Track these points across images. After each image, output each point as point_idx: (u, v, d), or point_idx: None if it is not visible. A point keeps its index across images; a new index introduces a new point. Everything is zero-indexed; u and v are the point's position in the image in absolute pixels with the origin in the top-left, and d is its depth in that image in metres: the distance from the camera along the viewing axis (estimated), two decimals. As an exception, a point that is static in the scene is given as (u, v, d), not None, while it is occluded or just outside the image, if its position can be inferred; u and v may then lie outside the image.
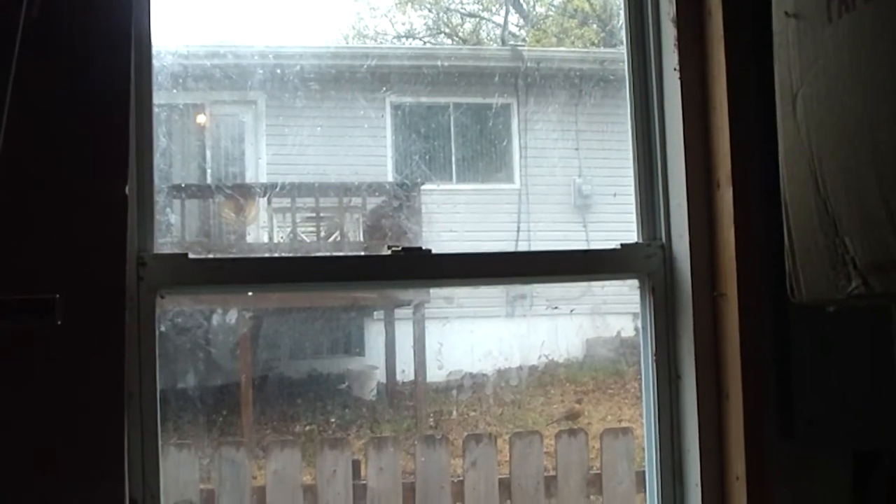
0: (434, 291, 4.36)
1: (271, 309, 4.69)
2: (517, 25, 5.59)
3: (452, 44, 5.50)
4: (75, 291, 1.85)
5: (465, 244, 4.15)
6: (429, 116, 4.88)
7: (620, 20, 2.52)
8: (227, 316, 4.44)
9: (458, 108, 4.82)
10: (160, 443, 2.13)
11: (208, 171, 4.64)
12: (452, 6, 5.55)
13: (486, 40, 5.60)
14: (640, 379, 2.44)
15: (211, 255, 3.71)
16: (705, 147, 2.30)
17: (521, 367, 4.79)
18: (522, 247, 4.81)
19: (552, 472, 3.79)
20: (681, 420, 2.34)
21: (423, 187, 4.60)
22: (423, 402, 4.71)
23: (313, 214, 4.86)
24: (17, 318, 1.81)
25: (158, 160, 2.20)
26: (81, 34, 1.95)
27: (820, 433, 2.19)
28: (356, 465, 3.69)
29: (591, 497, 3.82)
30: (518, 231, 4.80)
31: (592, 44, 5.32)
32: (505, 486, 3.70)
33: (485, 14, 5.69)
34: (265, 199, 4.58)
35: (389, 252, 2.29)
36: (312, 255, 4.69)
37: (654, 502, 2.38)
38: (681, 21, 2.33)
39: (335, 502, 3.55)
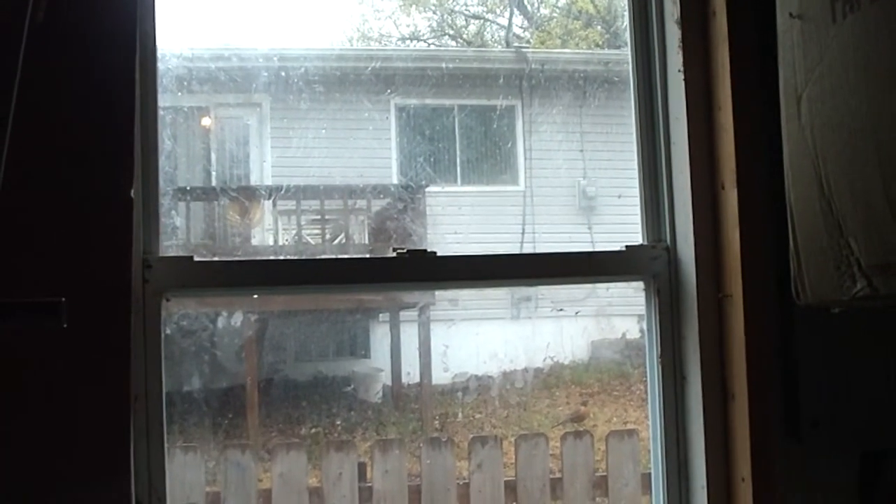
0: (439, 294, 4.37)
1: (276, 311, 4.70)
2: (521, 27, 5.60)
3: (457, 46, 5.51)
4: (81, 294, 1.85)
5: (470, 246, 4.15)
6: (433, 118, 4.88)
7: (624, 21, 2.52)
8: (233, 318, 4.44)
9: (462, 109, 4.83)
10: (166, 445, 2.13)
11: (213, 173, 4.65)
12: (457, 8, 5.56)
13: (490, 42, 5.61)
14: (646, 381, 2.43)
15: (216, 258, 3.72)
16: (710, 148, 2.30)
17: (526, 369, 4.80)
18: (527, 248, 4.82)
19: (558, 474, 3.79)
20: (686, 422, 2.34)
21: (427, 189, 4.61)
22: (429, 404, 4.72)
23: (318, 217, 4.87)
24: (22, 321, 1.81)
25: (163, 163, 2.19)
26: (86, 37, 1.95)
27: (826, 434, 2.19)
28: (362, 468, 3.69)
29: (597, 499, 3.82)
30: (523, 233, 4.80)
31: (597, 45, 5.33)
32: (511, 488, 3.70)
33: (489, 16, 5.69)
34: (270, 201, 4.59)
35: (394, 254, 2.29)
36: (317, 257, 4.68)
37: (660, 504, 2.38)
38: (685, 22, 2.32)
39: (341, 504, 3.56)
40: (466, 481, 3.68)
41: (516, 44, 5.28)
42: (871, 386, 2.21)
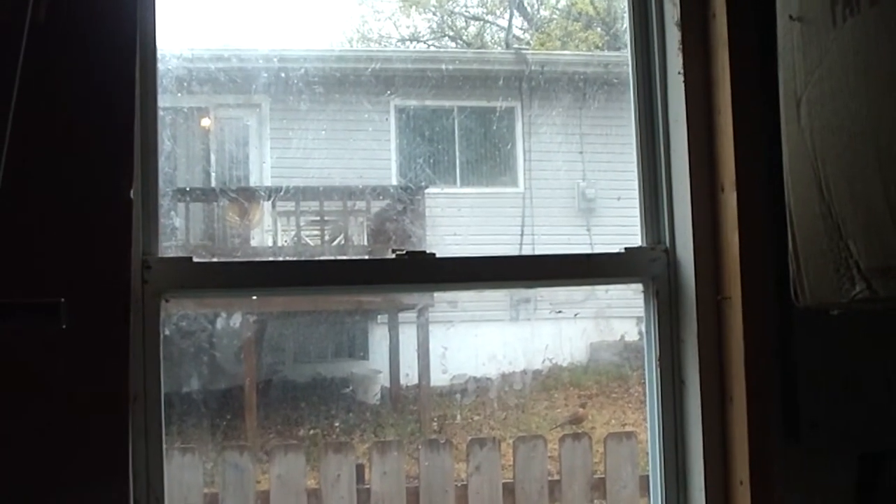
0: (438, 295, 4.37)
1: (275, 313, 4.70)
2: (521, 29, 5.61)
3: (456, 47, 5.51)
4: (80, 294, 1.85)
5: (469, 248, 4.15)
6: (433, 120, 4.88)
7: (624, 23, 2.52)
8: (232, 319, 4.44)
9: (462, 111, 4.83)
10: (164, 446, 2.13)
11: (213, 174, 4.65)
12: (456, 9, 5.56)
13: (490, 44, 5.61)
14: (644, 383, 2.43)
15: (215, 259, 3.72)
16: (709, 151, 2.30)
17: (525, 371, 4.80)
18: (526, 250, 4.81)
19: (556, 477, 3.79)
20: (685, 424, 2.34)
21: (427, 191, 4.61)
22: (427, 406, 4.72)
23: (317, 218, 4.87)
24: (21, 322, 1.81)
25: (163, 163, 2.19)
26: (86, 38, 1.95)
27: (825, 436, 2.19)
28: (360, 470, 3.69)
29: (595, 501, 3.82)
30: (522, 235, 4.80)
31: (596, 47, 5.33)
32: (509, 490, 3.70)
33: (489, 17, 5.69)
34: (269, 202, 4.59)
35: (394, 256, 2.29)
36: (316, 258, 4.69)
37: (658, 506, 2.37)
38: (685, 24, 2.33)
39: (339, 506, 3.56)
40: (465, 483, 3.68)
41: (516, 45, 5.29)
42: (870, 388, 2.21)
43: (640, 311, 2.43)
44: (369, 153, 4.68)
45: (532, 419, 4.68)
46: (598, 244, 4.80)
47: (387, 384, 4.85)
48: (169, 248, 2.40)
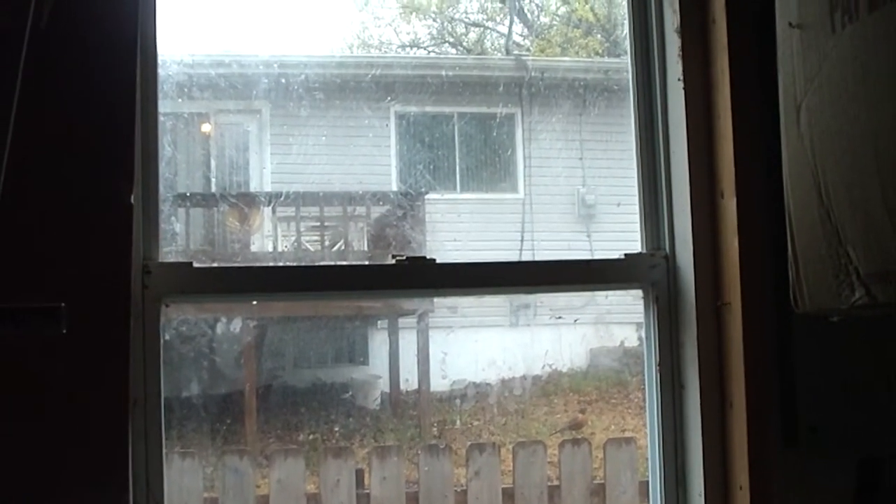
0: (438, 301, 4.36)
1: (275, 318, 4.70)
2: (521, 35, 5.61)
3: (457, 53, 5.51)
4: (80, 299, 1.85)
5: (469, 253, 4.16)
6: (433, 126, 4.89)
7: (624, 30, 2.52)
8: (232, 324, 4.44)
9: (462, 117, 4.83)
10: (164, 451, 2.13)
11: (213, 179, 4.65)
12: (457, 16, 5.57)
13: (490, 50, 5.61)
14: (644, 388, 2.43)
15: (215, 264, 3.72)
16: (709, 157, 2.30)
17: (524, 377, 4.79)
18: (526, 256, 4.82)
19: (555, 482, 3.78)
20: (684, 429, 2.34)
21: (427, 196, 4.61)
22: (427, 411, 4.71)
23: (318, 223, 4.87)
24: (22, 326, 1.82)
25: (164, 169, 2.20)
26: (87, 43, 1.96)
27: (824, 441, 2.19)
28: (360, 475, 3.69)
29: (595, 507, 3.81)
30: (522, 240, 4.80)
31: (596, 53, 5.34)
32: (508, 495, 3.70)
33: (489, 24, 5.70)
34: (269, 208, 4.59)
35: (394, 261, 2.30)
36: (317, 264, 4.69)
37: (658, 512, 2.37)
38: (685, 31, 2.33)
39: (338, 511, 3.55)
40: (464, 488, 3.68)
41: (516, 52, 5.29)
42: (869, 393, 2.21)
43: (640, 317, 2.43)
44: (369, 159, 4.68)
45: (532, 424, 4.68)
46: (598, 250, 4.81)
47: (387, 389, 4.85)
48: (169, 253, 2.40)
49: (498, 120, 4.87)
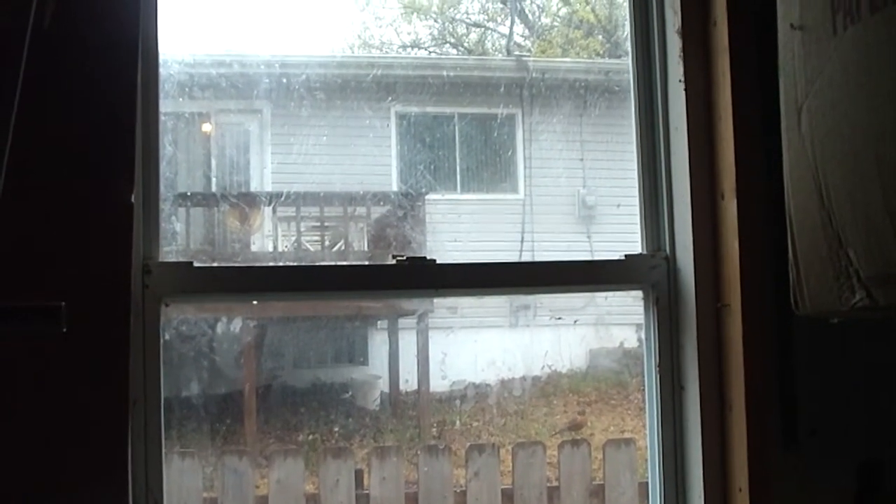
0: (438, 301, 4.36)
1: (275, 318, 4.69)
2: (522, 36, 5.61)
3: (458, 54, 5.51)
4: (80, 298, 1.85)
5: (470, 254, 4.16)
6: (434, 126, 4.89)
7: (626, 31, 2.52)
8: (232, 324, 4.44)
9: (462, 118, 4.83)
10: (164, 451, 2.13)
11: (213, 179, 4.65)
12: (458, 16, 5.57)
13: (491, 50, 5.61)
14: (644, 390, 2.43)
15: (215, 264, 3.72)
16: (710, 158, 2.30)
17: (524, 378, 4.79)
18: (526, 257, 4.82)
19: (555, 483, 3.78)
20: (684, 431, 2.34)
21: (427, 197, 4.61)
22: (427, 411, 4.71)
23: (318, 223, 4.86)
24: (22, 325, 1.82)
25: (164, 168, 2.20)
26: (88, 43, 1.96)
27: (824, 443, 2.19)
28: (359, 475, 3.69)
29: (594, 508, 3.81)
30: (522, 241, 4.80)
31: (597, 54, 5.34)
32: (508, 496, 3.69)
33: (490, 24, 5.70)
34: (270, 207, 4.59)
35: (394, 261, 2.30)
36: (317, 264, 4.69)
37: (657, 513, 2.37)
38: (686, 32, 2.33)
39: (338, 512, 3.55)
40: (463, 489, 3.68)
41: (517, 52, 5.29)
42: (869, 395, 2.21)
43: (640, 318, 2.43)
44: (370, 159, 4.68)
45: (531, 425, 4.67)
46: (599, 251, 4.80)
47: (386, 390, 4.85)
48: (169, 252, 2.40)
49: (499, 120, 4.87)
